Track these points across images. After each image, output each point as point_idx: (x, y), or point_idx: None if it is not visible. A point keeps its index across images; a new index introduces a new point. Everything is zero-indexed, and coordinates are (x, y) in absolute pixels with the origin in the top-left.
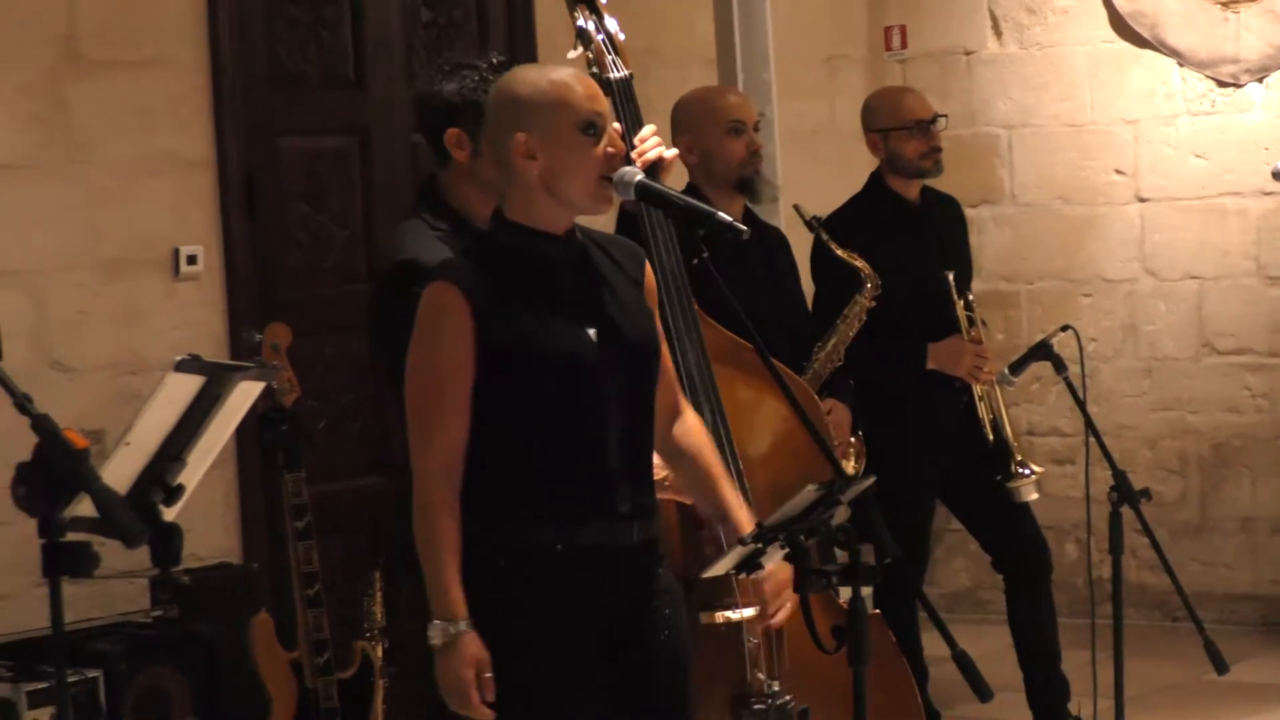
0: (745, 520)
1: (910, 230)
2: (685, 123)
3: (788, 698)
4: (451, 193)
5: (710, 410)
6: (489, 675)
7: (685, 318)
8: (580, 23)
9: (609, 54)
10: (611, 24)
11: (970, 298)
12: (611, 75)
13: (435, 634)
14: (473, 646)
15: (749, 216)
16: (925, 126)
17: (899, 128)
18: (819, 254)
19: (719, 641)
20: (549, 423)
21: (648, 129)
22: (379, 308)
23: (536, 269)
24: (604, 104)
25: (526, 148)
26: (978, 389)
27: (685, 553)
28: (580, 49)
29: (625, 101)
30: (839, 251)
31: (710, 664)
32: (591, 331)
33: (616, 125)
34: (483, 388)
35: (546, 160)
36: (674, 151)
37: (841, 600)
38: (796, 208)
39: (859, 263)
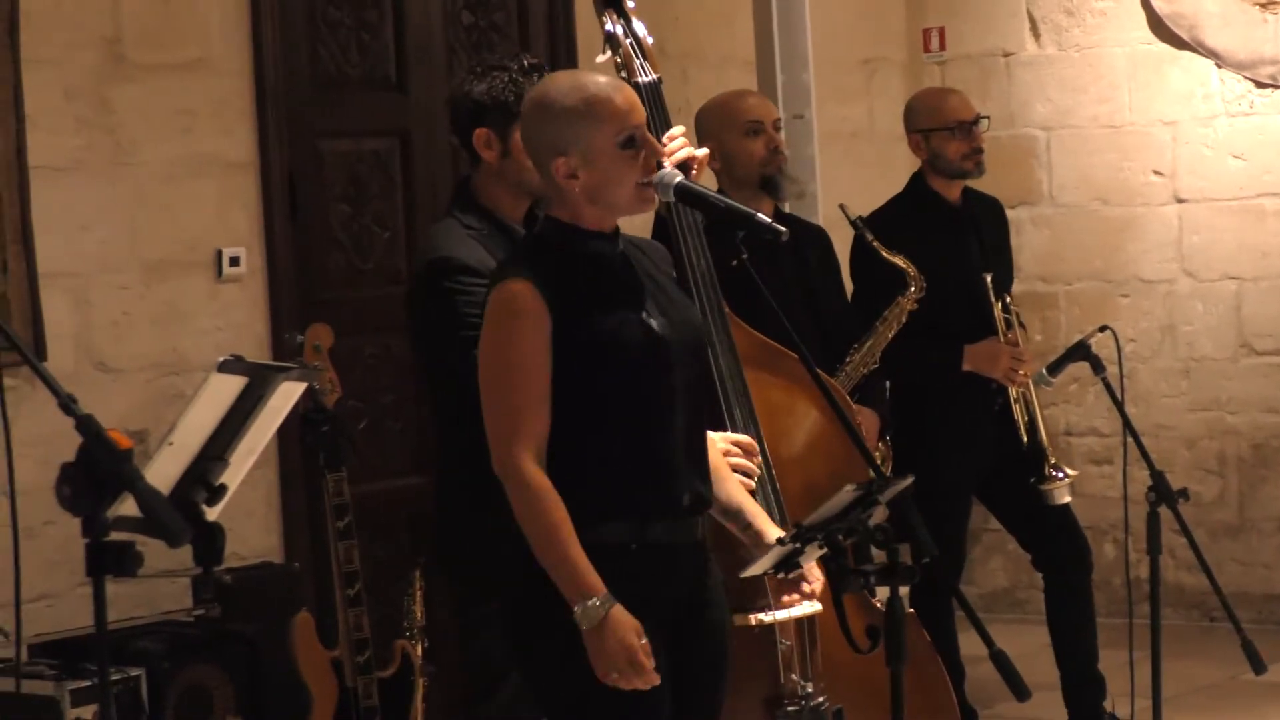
0: (753, 510)
1: (951, 231)
2: (706, 129)
3: (821, 699)
4: (482, 192)
5: (742, 413)
6: (645, 641)
7: (716, 320)
8: (609, 27)
9: (637, 58)
10: (639, 28)
11: (1008, 299)
12: (640, 79)
13: (585, 616)
14: (626, 615)
15: (786, 217)
16: (967, 128)
17: (941, 128)
18: (860, 254)
19: (751, 643)
20: (621, 418)
21: (676, 129)
22: (413, 306)
23: (593, 266)
24: (640, 113)
25: (568, 168)
26: (1014, 390)
27: (716, 553)
28: (608, 53)
29: (654, 106)
30: (884, 252)
31: (743, 666)
32: (655, 324)
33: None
34: (554, 386)
35: (589, 178)
36: (704, 151)
37: (877, 600)
38: (842, 207)
39: (904, 264)
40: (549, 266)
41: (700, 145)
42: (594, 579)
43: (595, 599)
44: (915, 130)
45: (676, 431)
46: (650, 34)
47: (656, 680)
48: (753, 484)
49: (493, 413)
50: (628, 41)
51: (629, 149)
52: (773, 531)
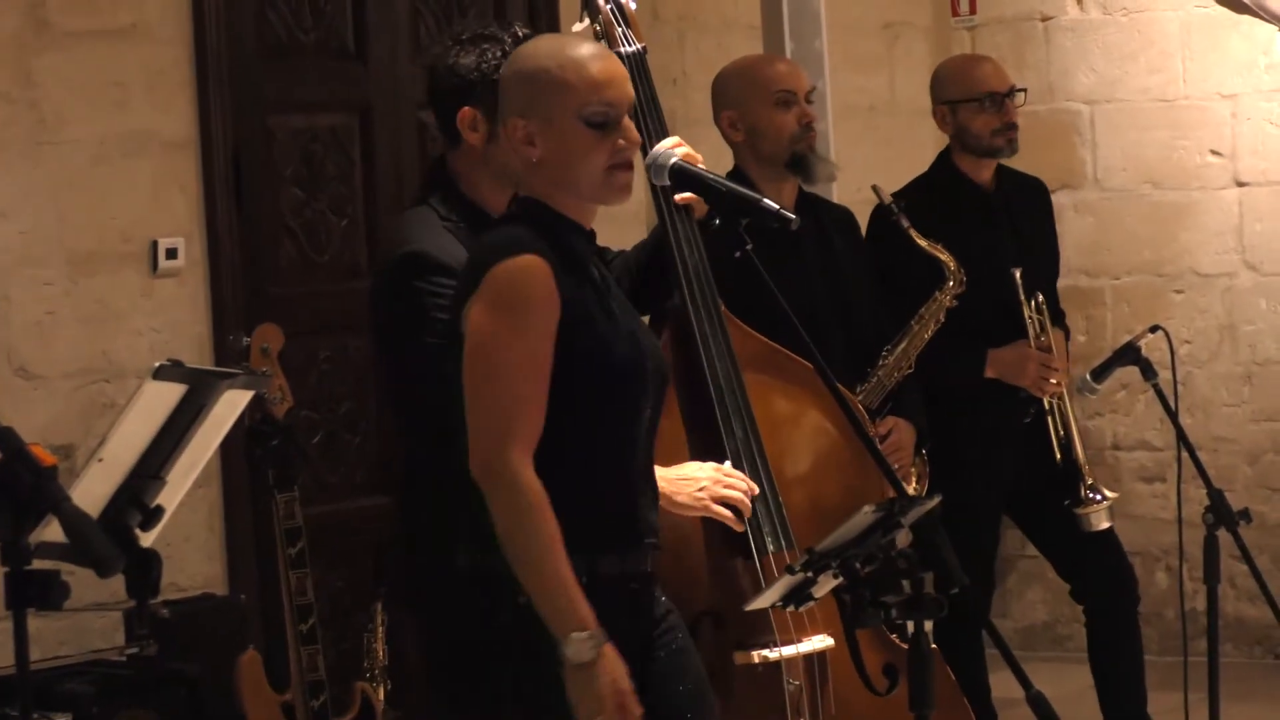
0: None
1: (980, 218)
2: (729, 96)
3: None
4: (463, 179)
5: (741, 425)
6: (630, 686)
7: (711, 320)
8: None
9: (619, 25)
10: None
11: (1039, 299)
12: (622, 49)
13: (579, 649)
14: (617, 654)
15: (809, 198)
16: (999, 99)
17: (969, 99)
18: (888, 241)
19: (755, 684)
20: (594, 438)
21: (669, 141)
22: (378, 304)
23: (582, 262)
24: (618, 91)
25: (525, 132)
26: (1046, 401)
27: (715, 584)
28: (586, 21)
29: (639, 78)
30: (921, 241)
31: (747, 709)
32: (644, 343)
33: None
34: None
35: (546, 148)
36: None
37: (894, 636)
38: (875, 189)
39: (944, 255)
40: (548, 247)
41: (719, 114)
42: (587, 610)
43: (588, 633)
44: (941, 101)
45: (639, 461)
46: None
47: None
48: (734, 517)
49: (484, 404)
50: (608, 7)
51: (594, 127)
52: None
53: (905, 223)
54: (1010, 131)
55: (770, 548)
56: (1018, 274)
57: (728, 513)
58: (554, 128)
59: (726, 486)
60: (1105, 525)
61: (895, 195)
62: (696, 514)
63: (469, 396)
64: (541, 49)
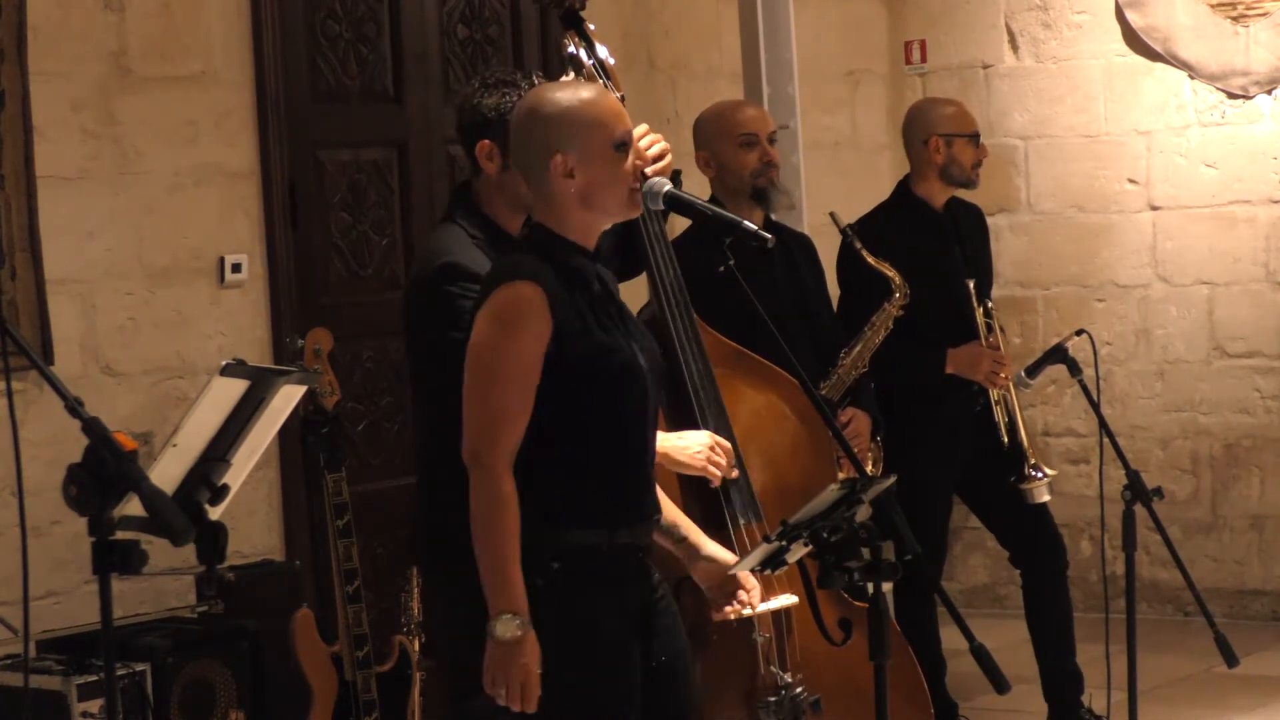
0: (686, 524)
1: (935, 238)
2: (703, 137)
3: (800, 689)
4: (483, 201)
5: (715, 415)
6: (539, 672)
7: (686, 328)
8: (570, 49)
9: (600, 79)
10: (601, 50)
11: (989, 305)
12: None
13: (504, 628)
14: (535, 643)
15: (775, 225)
16: (979, 139)
17: (965, 135)
18: (847, 260)
19: (730, 637)
20: (605, 430)
21: (641, 127)
22: (414, 306)
23: (581, 280)
24: (627, 119)
25: (565, 166)
26: (994, 392)
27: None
28: (571, 75)
29: None
30: (870, 259)
31: (723, 660)
32: (636, 345)
33: (643, 128)
34: (541, 393)
35: (585, 178)
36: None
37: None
38: (832, 215)
39: (890, 271)
40: (550, 273)
41: (697, 152)
42: (522, 598)
43: (518, 617)
44: (938, 134)
45: (649, 446)
46: (641, 46)
47: (534, 709)
48: (719, 477)
49: (476, 407)
50: (590, 63)
51: (620, 151)
52: (708, 543)
53: (858, 244)
54: (980, 167)
55: (741, 521)
56: (971, 284)
57: (716, 472)
58: (591, 158)
59: (715, 454)
60: (1046, 498)
61: (861, 220)
62: (693, 471)
63: (466, 392)
64: (558, 95)
